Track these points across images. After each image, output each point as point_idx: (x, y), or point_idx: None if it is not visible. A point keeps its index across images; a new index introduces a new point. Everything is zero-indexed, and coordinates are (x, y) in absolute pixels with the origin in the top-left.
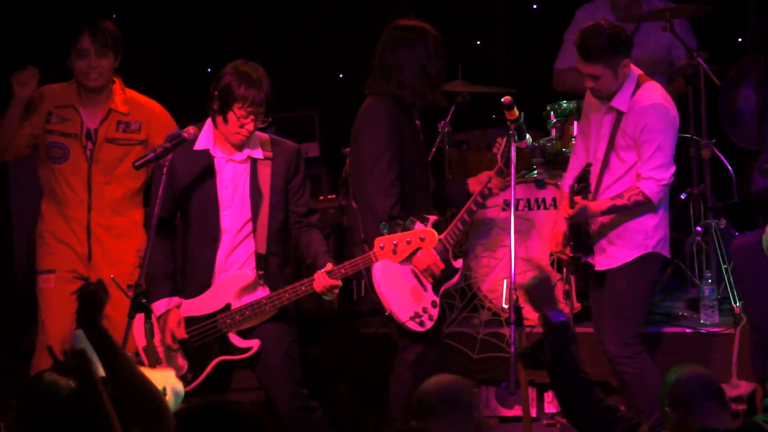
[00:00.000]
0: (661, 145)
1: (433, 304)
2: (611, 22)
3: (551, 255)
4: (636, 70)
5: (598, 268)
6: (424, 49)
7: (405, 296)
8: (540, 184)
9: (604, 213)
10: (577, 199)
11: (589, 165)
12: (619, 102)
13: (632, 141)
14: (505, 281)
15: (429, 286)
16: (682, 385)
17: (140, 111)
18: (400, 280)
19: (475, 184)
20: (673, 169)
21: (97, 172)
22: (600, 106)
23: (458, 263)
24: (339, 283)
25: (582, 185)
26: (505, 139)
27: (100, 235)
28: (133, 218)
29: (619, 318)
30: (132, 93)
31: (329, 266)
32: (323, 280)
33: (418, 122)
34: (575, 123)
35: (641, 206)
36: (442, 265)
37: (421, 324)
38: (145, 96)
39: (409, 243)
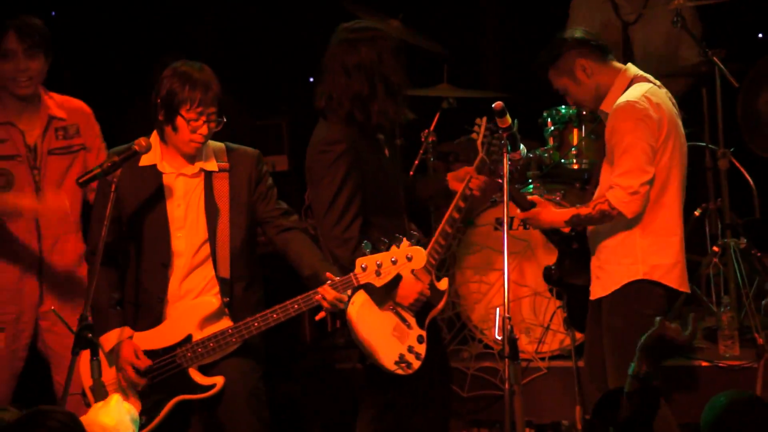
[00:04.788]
0: (627, 147)
1: (420, 339)
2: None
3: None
4: (631, 72)
5: (592, 297)
6: (382, 57)
7: (388, 339)
8: None
9: (567, 223)
10: (536, 199)
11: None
12: (607, 106)
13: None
14: (498, 309)
15: (413, 321)
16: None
17: (75, 114)
18: (381, 322)
19: (454, 182)
20: (646, 177)
21: (46, 190)
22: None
23: (443, 284)
24: (345, 296)
25: None
26: (485, 119)
27: (54, 265)
28: (79, 244)
29: (619, 358)
30: (58, 96)
31: (330, 276)
32: (330, 292)
33: (380, 136)
34: (575, 131)
35: (609, 218)
36: (428, 293)
37: (408, 366)
38: (68, 96)
39: (394, 263)
